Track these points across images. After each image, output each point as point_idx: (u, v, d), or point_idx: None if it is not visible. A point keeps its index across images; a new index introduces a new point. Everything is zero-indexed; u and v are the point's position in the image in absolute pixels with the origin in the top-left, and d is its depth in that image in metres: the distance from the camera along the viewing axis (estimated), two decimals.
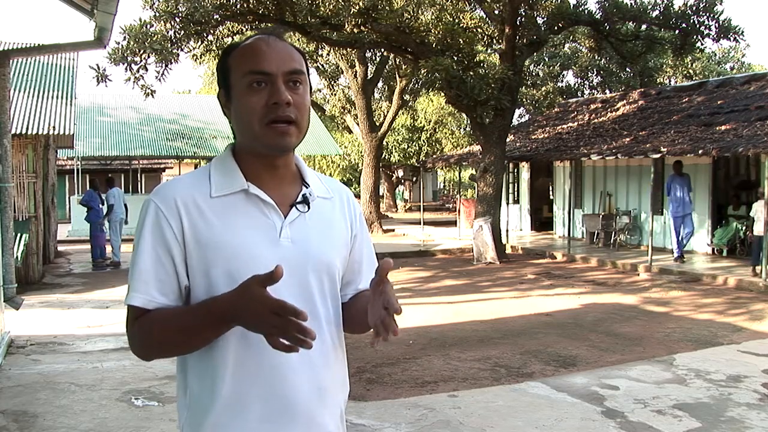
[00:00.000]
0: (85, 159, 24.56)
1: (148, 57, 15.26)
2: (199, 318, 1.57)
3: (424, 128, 35.33)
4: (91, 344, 8.09)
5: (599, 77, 33.89)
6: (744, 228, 14.90)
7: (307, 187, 1.75)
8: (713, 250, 15.94)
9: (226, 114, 1.73)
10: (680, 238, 14.87)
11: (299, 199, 1.72)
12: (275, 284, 1.50)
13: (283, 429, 1.65)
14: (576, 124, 21.63)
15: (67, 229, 22.68)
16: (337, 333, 1.78)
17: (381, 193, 34.68)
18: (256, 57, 1.65)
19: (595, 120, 21.23)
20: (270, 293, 1.45)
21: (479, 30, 17.52)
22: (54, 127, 12.90)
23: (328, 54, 25.68)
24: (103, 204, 16.12)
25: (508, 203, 21.31)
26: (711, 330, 8.96)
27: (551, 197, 22.67)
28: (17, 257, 11.22)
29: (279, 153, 1.69)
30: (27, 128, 12.68)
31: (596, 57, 28.84)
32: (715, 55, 37.30)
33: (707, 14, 16.58)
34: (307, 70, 1.74)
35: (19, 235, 11.82)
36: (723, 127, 15.20)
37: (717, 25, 16.65)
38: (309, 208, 1.72)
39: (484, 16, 18.04)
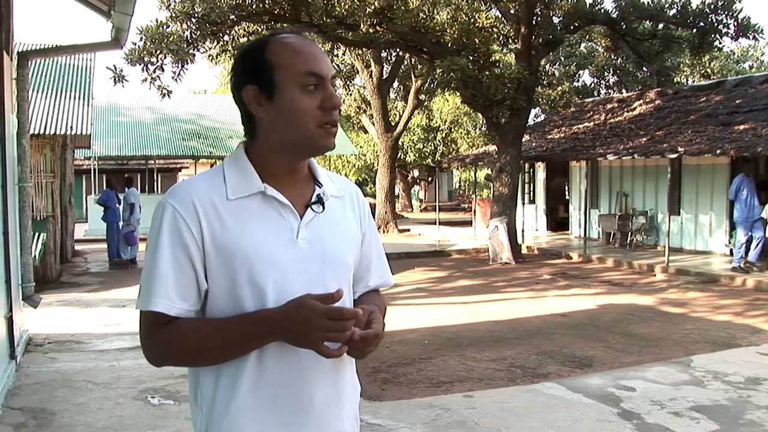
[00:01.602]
0: (101, 159, 24.73)
1: (165, 57, 15.32)
2: (241, 331, 1.58)
3: (440, 128, 35.30)
4: (107, 343, 8.14)
5: (615, 77, 33.73)
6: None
7: (320, 187, 1.74)
8: (731, 250, 15.80)
9: (256, 111, 1.67)
10: (742, 245, 13.60)
11: (314, 199, 1.71)
12: (297, 286, 1.59)
13: (299, 429, 1.65)
14: (592, 123, 21.54)
15: (84, 229, 22.83)
16: None
17: (396, 193, 34.66)
18: (312, 58, 1.64)
19: (612, 120, 21.13)
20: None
21: (495, 30, 17.46)
22: (71, 128, 13.00)
23: (343, 54, 25.70)
24: (119, 203, 16.21)
25: (523, 203, 21.24)
26: (729, 331, 8.89)
27: (567, 197, 22.57)
28: (35, 256, 11.30)
29: (322, 153, 1.71)
30: (45, 128, 12.79)
31: (612, 56, 28.67)
32: (734, 53, 37.01)
33: (726, 12, 16.45)
34: None
35: (37, 234, 11.90)
36: (741, 127, 15.08)
37: (736, 23, 16.51)
38: (324, 208, 1.71)
39: (500, 15, 18.00)
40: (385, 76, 24.67)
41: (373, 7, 15.60)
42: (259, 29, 17.55)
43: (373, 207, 24.49)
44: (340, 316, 1.51)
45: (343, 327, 1.51)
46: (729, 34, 16.78)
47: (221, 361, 1.62)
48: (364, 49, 21.38)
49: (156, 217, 1.63)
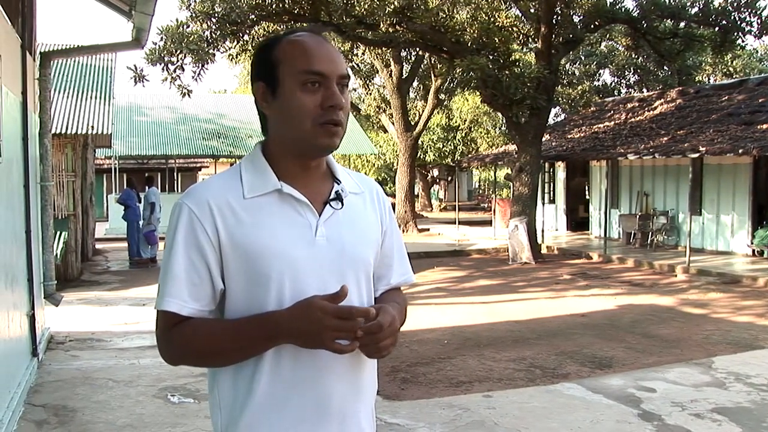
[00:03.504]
0: (122, 158, 24.88)
1: (185, 57, 15.39)
2: (251, 333, 1.58)
3: (460, 127, 35.21)
4: (128, 341, 8.19)
5: (636, 76, 33.46)
6: None
7: (338, 184, 1.73)
8: (753, 251, 15.67)
9: (263, 107, 1.69)
10: None
11: (332, 195, 1.70)
12: (315, 283, 1.60)
13: (318, 427, 1.65)
14: (613, 123, 21.42)
15: (105, 228, 22.97)
16: None
17: (416, 193, 34.60)
18: (313, 56, 1.63)
19: (632, 119, 21.00)
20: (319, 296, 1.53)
21: (515, 29, 17.41)
22: (93, 127, 13.09)
23: (363, 53, 25.70)
24: (140, 202, 16.31)
25: (543, 203, 21.16)
26: (751, 333, 8.80)
27: (587, 197, 22.47)
28: (57, 255, 11.40)
29: (324, 153, 1.69)
30: (66, 128, 12.89)
31: (633, 55, 28.48)
32: (757, 52, 36.59)
33: (749, 10, 16.28)
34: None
35: (58, 232, 12.01)
36: (764, 126, 14.93)
37: (759, 21, 16.34)
38: (342, 205, 1.70)
39: (520, 14, 17.94)
40: (404, 76, 24.65)
41: (392, 7, 15.60)
42: (279, 29, 17.60)
43: (392, 206, 24.32)
44: (349, 315, 1.51)
45: (353, 326, 1.51)
46: (752, 32, 16.62)
47: (232, 362, 1.63)
48: (383, 48, 21.36)
49: (172, 218, 1.64)
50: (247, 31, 16.94)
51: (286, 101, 1.63)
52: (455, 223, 23.01)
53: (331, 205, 1.69)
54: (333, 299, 1.52)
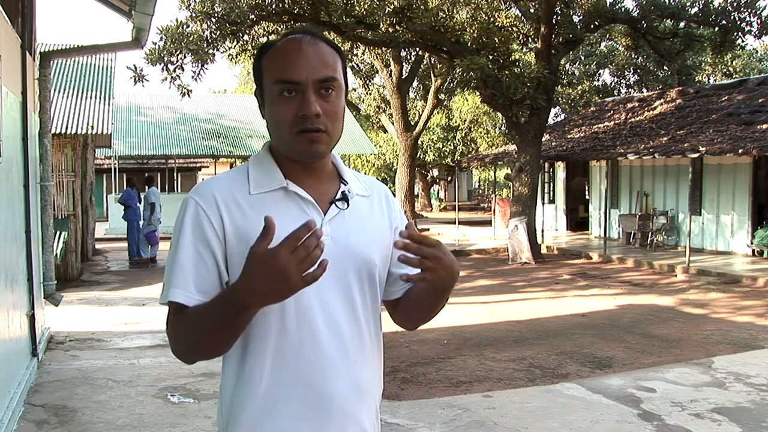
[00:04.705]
0: (122, 158, 24.89)
1: (185, 57, 15.41)
2: (216, 307, 1.52)
3: (459, 127, 35.22)
4: (128, 341, 8.19)
5: (636, 76, 33.48)
6: None
7: (345, 185, 1.74)
8: (753, 251, 15.67)
9: (261, 113, 1.71)
10: None
11: (338, 196, 1.71)
12: (318, 283, 1.51)
13: (319, 426, 1.64)
14: (612, 123, 21.42)
15: (105, 227, 22.97)
16: (376, 331, 1.76)
17: (416, 193, 34.62)
18: (287, 64, 1.62)
19: (632, 119, 21.00)
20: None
21: (515, 29, 17.40)
22: (92, 127, 13.09)
23: (363, 53, 25.72)
24: (140, 202, 16.31)
25: (543, 203, 21.16)
26: (751, 333, 8.80)
27: (587, 197, 22.46)
28: (57, 255, 11.40)
29: (308, 160, 1.67)
30: (66, 128, 12.89)
31: (633, 55, 28.49)
32: (757, 52, 36.60)
33: (749, 10, 16.28)
34: (344, 69, 1.71)
35: (58, 232, 12.01)
36: (764, 126, 14.93)
37: (759, 21, 16.34)
38: (348, 205, 1.71)
39: (520, 14, 17.93)
40: (404, 76, 24.67)
41: (392, 7, 15.59)
42: (279, 29, 17.60)
43: None
44: (295, 238, 1.40)
45: (306, 248, 1.39)
46: (752, 32, 16.62)
47: (217, 342, 1.57)
48: (383, 48, 21.38)
49: (180, 213, 1.66)
50: (247, 31, 16.95)
51: (269, 110, 1.66)
52: (455, 223, 23.01)
53: (336, 205, 1.69)
54: (264, 237, 1.40)
